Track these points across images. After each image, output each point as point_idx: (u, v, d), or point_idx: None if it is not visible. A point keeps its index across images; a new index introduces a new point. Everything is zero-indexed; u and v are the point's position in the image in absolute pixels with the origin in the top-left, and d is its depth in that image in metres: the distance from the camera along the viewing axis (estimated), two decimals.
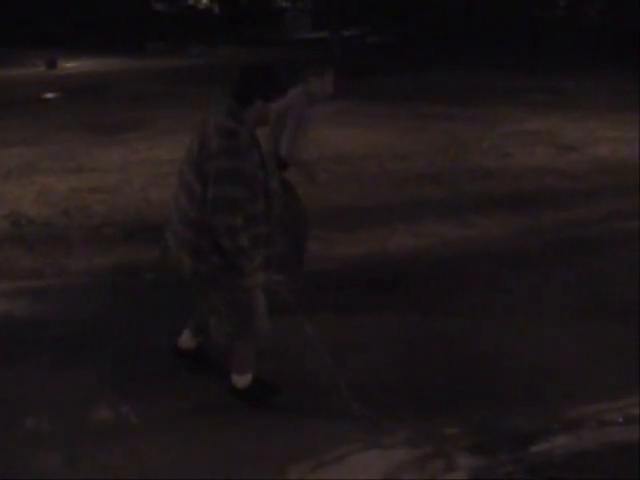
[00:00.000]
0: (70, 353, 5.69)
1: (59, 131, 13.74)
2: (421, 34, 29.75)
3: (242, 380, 4.98)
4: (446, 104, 15.59)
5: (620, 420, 4.86)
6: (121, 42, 30.58)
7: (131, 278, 7.06)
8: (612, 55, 22.97)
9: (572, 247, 7.73)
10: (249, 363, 4.98)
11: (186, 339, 5.38)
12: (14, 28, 31.92)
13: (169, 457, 4.52)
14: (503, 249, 7.65)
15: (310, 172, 6.59)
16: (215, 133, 4.35)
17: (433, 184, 9.79)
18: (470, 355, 5.64)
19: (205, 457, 4.52)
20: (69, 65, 26.41)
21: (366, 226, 8.26)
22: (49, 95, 19.00)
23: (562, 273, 7.10)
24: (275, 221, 4.85)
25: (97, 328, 6.10)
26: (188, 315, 5.41)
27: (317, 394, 5.16)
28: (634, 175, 9.98)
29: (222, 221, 4.33)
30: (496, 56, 23.56)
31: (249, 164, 4.40)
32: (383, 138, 12.34)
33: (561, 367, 5.46)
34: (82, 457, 4.52)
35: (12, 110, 16.22)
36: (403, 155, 11.34)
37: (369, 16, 35.10)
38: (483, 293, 6.71)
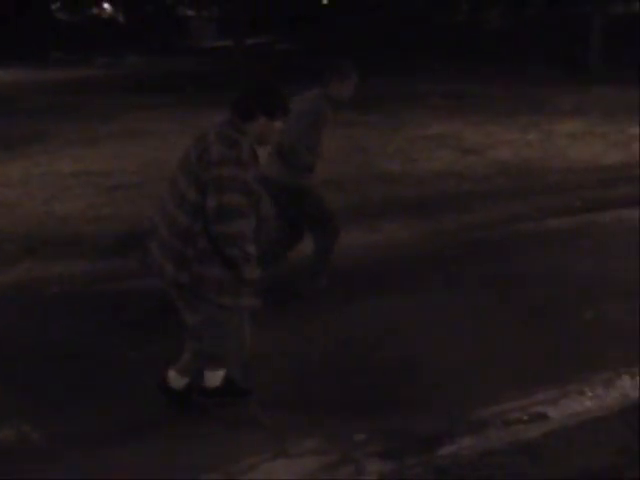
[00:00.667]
0: None
1: None
2: (327, 41, 29.88)
3: (181, 382, 4.95)
4: (350, 110, 15.62)
5: (525, 418, 4.95)
6: (24, 52, 29.92)
7: (33, 294, 6.91)
8: (513, 59, 23.45)
9: (475, 249, 7.86)
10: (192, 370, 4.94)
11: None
12: None
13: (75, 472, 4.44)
14: (408, 253, 7.73)
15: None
16: (216, 142, 4.32)
17: (337, 190, 9.81)
18: (375, 360, 5.68)
19: (108, 471, 4.45)
20: None
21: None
22: None
23: (466, 275, 7.20)
24: (262, 244, 4.70)
25: None
26: None
27: (224, 405, 5.11)
28: (533, 177, 10.21)
29: (229, 229, 4.28)
30: (400, 62, 23.81)
31: (249, 175, 4.36)
32: None
33: (466, 368, 5.54)
34: None
35: None
36: None
37: (278, 24, 35.15)
38: (388, 298, 6.76)
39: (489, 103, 16.84)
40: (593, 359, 5.66)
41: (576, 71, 21.84)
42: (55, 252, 7.21)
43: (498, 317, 6.39)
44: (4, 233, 8.42)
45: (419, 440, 4.71)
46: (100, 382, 5.37)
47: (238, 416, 5.00)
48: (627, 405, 5.07)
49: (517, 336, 6.03)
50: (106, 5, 43.92)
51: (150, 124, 14.27)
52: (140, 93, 18.70)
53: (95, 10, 43.39)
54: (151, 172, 10.49)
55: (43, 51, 31.44)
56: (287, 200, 6.23)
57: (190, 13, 43.03)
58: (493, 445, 4.67)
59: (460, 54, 25.20)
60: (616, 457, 4.50)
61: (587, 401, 5.14)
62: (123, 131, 13.65)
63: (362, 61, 23.66)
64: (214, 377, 4.93)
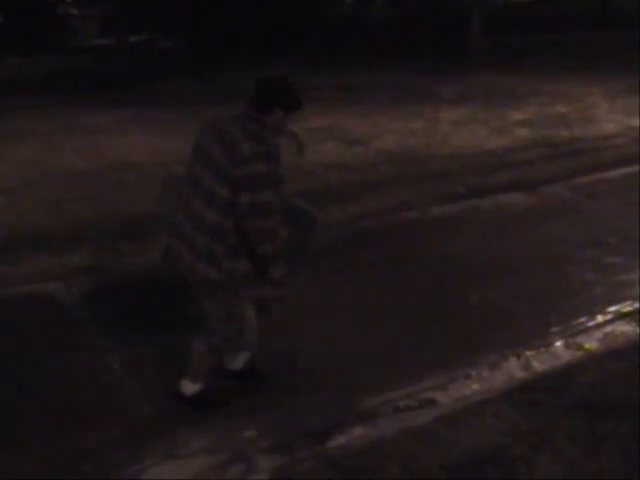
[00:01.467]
0: None
1: None
2: (213, 37, 29.63)
3: (192, 388, 4.95)
4: (232, 106, 15.45)
5: (414, 405, 5.00)
6: None
7: None
8: (396, 50, 23.69)
9: (363, 239, 7.90)
10: (204, 374, 4.95)
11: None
12: None
13: None
14: None
15: (299, 141, 6.16)
16: (245, 138, 4.29)
17: None
18: (262, 355, 5.64)
19: None
20: None
21: (157, 234, 8.10)
22: None
23: (352, 264, 7.23)
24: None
25: None
26: None
27: (108, 409, 5.04)
28: (418, 165, 10.32)
29: (263, 225, 4.32)
30: (286, 55, 23.78)
31: (278, 169, 4.34)
32: (169, 144, 12.14)
33: (354, 358, 5.57)
34: None
35: None
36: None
37: (162, 20, 34.67)
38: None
39: (374, 94, 16.93)
40: (479, 342, 5.76)
41: (458, 60, 22.16)
42: None
43: (385, 305, 6.46)
44: None
45: (309, 433, 4.73)
46: None
47: (122, 421, 4.92)
48: (513, 386, 5.17)
49: (404, 323, 6.10)
50: None
51: (33, 125, 13.90)
52: (23, 94, 18.21)
53: None
54: (33, 174, 10.23)
55: None
56: None
57: (73, 11, 42.16)
58: (383, 433, 4.72)
59: (345, 46, 25.32)
60: (503, 438, 4.58)
61: (474, 384, 5.25)
62: (3, 133, 13.26)
63: (246, 55, 23.66)
64: (192, 388, 4.97)
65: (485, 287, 6.69)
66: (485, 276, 6.93)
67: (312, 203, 5.36)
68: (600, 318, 6.16)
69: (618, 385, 5.10)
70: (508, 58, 22.33)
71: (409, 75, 19.34)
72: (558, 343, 5.80)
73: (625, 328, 5.99)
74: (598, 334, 5.92)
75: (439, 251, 7.53)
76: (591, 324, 6.07)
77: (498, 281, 6.82)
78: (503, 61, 21.70)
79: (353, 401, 5.04)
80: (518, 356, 5.58)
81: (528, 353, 5.63)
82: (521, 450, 4.46)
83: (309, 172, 10.34)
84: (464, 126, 13.35)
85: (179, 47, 29.02)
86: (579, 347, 5.72)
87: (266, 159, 4.24)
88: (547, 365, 5.49)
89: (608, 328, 6.00)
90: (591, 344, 5.76)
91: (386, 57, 22.75)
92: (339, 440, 4.67)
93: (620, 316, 6.18)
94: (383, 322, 6.10)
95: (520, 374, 5.36)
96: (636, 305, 6.35)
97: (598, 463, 4.33)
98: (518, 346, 5.72)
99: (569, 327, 6.02)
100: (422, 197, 8.38)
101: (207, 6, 32.81)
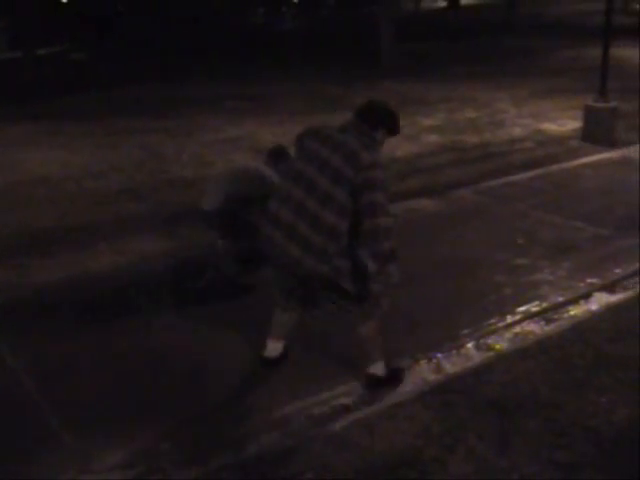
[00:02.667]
0: None
1: None
2: (122, 49, 29.35)
3: (380, 366, 5.33)
4: (145, 118, 15.46)
5: (328, 411, 5.01)
6: None
7: None
8: (308, 59, 23.79)
9: None
10: (382, 349, 5.32)
11: (274, 347, 5.56)
12: None
13: None
14: (206, 257, 7.63)
15: None
16: (363, 148, 4.81)
17: (133, 199, 9.66)
18: (176, 367, 5.61)
19: None
20: None
21: (67, 249, 8.00)
22: None
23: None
24: None
25: None
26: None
27: (21, 424, 4.96)
28: None
29: (383, 224, 4.74)
30: (195, 65, 23.68)
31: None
32: (80, 157, 12.02)
33: (264, 369, 5.57)
34: None
35: None
36: (101, 172, 11.09)
37: (72, 33, 34.20)
38: (186, 304, 6.70)
39: (285, 103, 16.96)
40: (391, 347, 5.78)
41: (370, 68, 22.33)
42: None
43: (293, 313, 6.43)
44: None
45: (224, 443, 4.70)
46: None
47: (36, 438, 4.82)
48: (425, 389, 5.22)
49: (318, 330, 6.09)
50: None
51: None
52: None
53: None
54: None
55: None
56: None
57: None
58: (298, 441, 4.72)
59: (256, 56, 25.33)
60: (416, 440, 4.62)
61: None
62: None
63: (157, 66, 23.50)
64: (377, 367, 5.33)
65: (395, 292, 6.73)
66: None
67: None
68: (509, 319, 6.25)
69: (527, 384, 5.19)
70: (419, 65, 22.62)
71: (321, 84, 19.44)
72: (469, 344, 5.87)
73: (533, 327, 6.10)
74: (508, 334, 6.01)
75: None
76: (501, 325, 6.16)
77: (409, 286, 6.84)
78: (414, 68, 21.98)
79: (267, 410, 5.02)
80: (429, 359, 5.63)
81: (439, 355, 5.68)
82: (434, 451, 4.50)
83: None
84: None
85: (90, 59, 28.67)
86: (489, 348, 5.80)
87: (380, 168, 4.83)
88: (458, 367, 5.55)
89: (517, 328, 6.09)
90: (501, 344, 5.84)
91: (298, 66, 22.82)
92: (254, 449, 4.65)
93: (529, 316, 6.28)
94: (296, 331, 6.08)
95: (432, 377, 5.41)
96: (544, 305, 6.47)
97: (509, 460, 4.39)
98: (429, 349, 5.76)
99: (479, 328, 6.10)
100: None
101: (114, 19, 32.55)
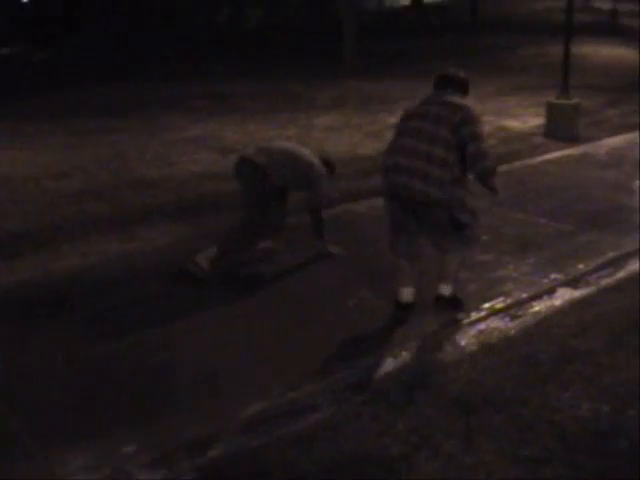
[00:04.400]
0: None
1: None
2: (90, 48, 29.08)
3: (448, 289, 6.31)
4: (108, 117, 15.34)
5: (293, 411, 4.99)
6: None
7: None
8: (273, 58, 23.75)
9: None
10: (455, 277, 6.34)
11: (407, 292, 6.29)
12: None
13: None
14: (167, 258, 7.60)
15: None
16: (467, 107, 5.89)
17: (96, 200, 9.55)
18: (141, 369, 5.56)
19: None
20: None
21: (29, 251, 7.90)
22: None
23: (221, 279, 7.17)
24: None
25: None
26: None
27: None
28: None
29: (491, 164, 5.82)
30: (161, 65, 23.55)
31: None
32: (43, 157, 11.89)
33: (230, 368, 5.54)
34: None
35: None
36: (64, 173, 10.95)
37: (33, 33, 33.87)
38: (147, 305, 6.67)
39: (249, 102, 16.92)
40: (358, 345, 5.80)
41: (333, 66, 22.34)
42: None
43: (255, 315, 6.45)
44: None
45: (188, 446, 4.67)
46: None
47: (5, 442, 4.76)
48: (390, 387, 5.20)
49: (279, 332, 6.09)
50: None
51: None
52: None
53: None
54: None
55: None
56: None
57: None
58: (263, 441, 4.69)
59: (220, 54, 25.25)
60: (382, 438, 4.60)
61: (352, 387, 5.24)
62: None
63: (120, 65, 23.35)
64: (448, 288, 6.33)
65: (360, 288, 6.75)
66: (364, 284, 6.96)
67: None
68: (474, 315, 6.27)
69: (492, 380, 5.19)
70: (382, 63, 22.66)
71: (284, 82, 19.41)
72: (433, 342, 5.87)
73: (498, 324, 6.11)
74: (473, 331, 6.02)
75: (314, 256, 7.54)
76: (466, 321, 6.17)
77: (371, 283, 6.88)
78: (378, 66, 22.01)
79: (233, 411, 4.98)
80: (395, 356, 5.62)
81: (404, 353, 5.68)
82: (400, 449, 4.49)
83: (183, 182, 10.28)
84: (338, 131, 13.47)
85: (52, 59, 28.38)
86: (454, 344, 5.80)
87: (481, 122, 5.95)
88: (424, 363, 5.55)
89: (482, 325, 6.11)
90: (466, 341, 5.85)
91: (262, 65, 22.78)
92: (219, 451, 4.62)
93: (493, 312, 6.30)
94: (256, 333, 6.08)
95: (397, 374, 5.39)
96: (508, 301, 6.49)
97: (475, 457, 4.39)
98: (395, 346, 5.76)
99: (444, 325, 6.11)
100: (296, 203, 8.35)
101: (78, 18, 32.29)
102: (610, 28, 31.26)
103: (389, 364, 5.54)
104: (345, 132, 13.45)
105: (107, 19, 32.49)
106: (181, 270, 7.02)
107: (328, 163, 7.59)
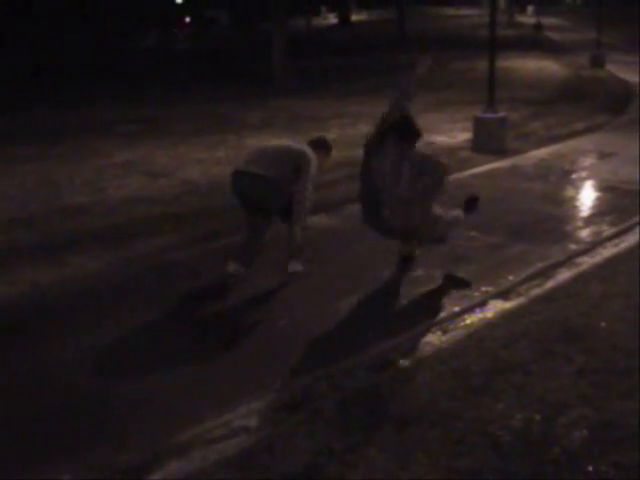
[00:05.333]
0: None
1: None
2: (12, 74, 28.73)
3: None
4: (36, 144, 15.18)
5: (228, 434, 4.95)
6: None
7: None
8: (200, 79, 23.72)
9: (170, 271, 7.81)
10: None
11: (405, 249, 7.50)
12: None
13: None
14: (99, 284, 7.53)
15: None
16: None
17: (25, 228, 9.43)
18: (74, 396, 5.48)
19: None
20: None
21: None
22: None
23: (162, 298, 7.13)
24: None
25: None
26: None
27: None
28: (222, 194, 10.29)
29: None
30: (88, 90, 23.37)
31: None
32: None
33: (164, 394, 5.48)
34: None
35: None
36: None
37: None
38: (84, 332, 6.55)
39: (181, 124, 16.90)
40: (289, 366, 5.79)
41: (263, 86, 22.39)
42: None
43: (192, 331, 6.46)
44: None
45: (125, 471, 4.60)
46: None
47: None
48: (325, 406, 5.19)
49: (214, 353, 6.08)
50: None
51: None
52: None
53: None
54: None
55: None
56: None
57: None
58: (199, 465, 4.64)
59: (149, 78, 25.15)
60: (317, 457, 4.59)
61: (287, 408, 5.22)
62: None
63: (45, 92, 23.08)
64: None
65: (291, 311, 6.75)
66: (289, 304, 6.97)
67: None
68: (407, 330, 6.29)
69: (426, 394, 5.22)
70: (312, 82, 22.80)
71: (214, 104, 19.44)
72: (368, 359, 5.87)
73: (431, 339, 6.14)
74: (406, 346, 6.04)
75: (247, 277, 7.52)
76: (399, 338, 6.19)
77: (306, 303, 6.89)
78: (307, 85, 22.15)
79: (168, 435, 4.93)
80: (327, 378, 5.60)
81: (338, 372, 5.67)
82: (336, 468, 4.47)
83: (112, 208, 10.21)
84: None
85: None
86: (388, 361, 5.81)
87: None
88: (358, 381, 5.55)
89: (415, 340, 6.13)
90: (399, 356, 5.87)
91: (191, 87, 22.74)
92: (156, 476, 4.56)
93: (426, 327, 6.33)
94: (192, 355, 6.05)
95: (331, 394, 5.38)
96: (441, 315, 6.54)
97: (410, 472, 4.40)
98: (327, 366, 5.75)
99: (378, 343, 6.12)
100: (228, 226, 8.36)
101: (10, 39, 31.87)
102: (534, 41, 31.87)
103: (323, 383, 5.53)
104: None
105: (30, 45, 32.18)
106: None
107: (321, 143, 7.70)
